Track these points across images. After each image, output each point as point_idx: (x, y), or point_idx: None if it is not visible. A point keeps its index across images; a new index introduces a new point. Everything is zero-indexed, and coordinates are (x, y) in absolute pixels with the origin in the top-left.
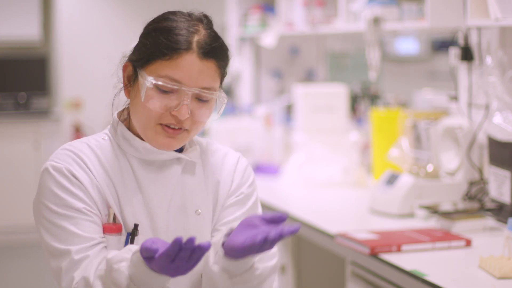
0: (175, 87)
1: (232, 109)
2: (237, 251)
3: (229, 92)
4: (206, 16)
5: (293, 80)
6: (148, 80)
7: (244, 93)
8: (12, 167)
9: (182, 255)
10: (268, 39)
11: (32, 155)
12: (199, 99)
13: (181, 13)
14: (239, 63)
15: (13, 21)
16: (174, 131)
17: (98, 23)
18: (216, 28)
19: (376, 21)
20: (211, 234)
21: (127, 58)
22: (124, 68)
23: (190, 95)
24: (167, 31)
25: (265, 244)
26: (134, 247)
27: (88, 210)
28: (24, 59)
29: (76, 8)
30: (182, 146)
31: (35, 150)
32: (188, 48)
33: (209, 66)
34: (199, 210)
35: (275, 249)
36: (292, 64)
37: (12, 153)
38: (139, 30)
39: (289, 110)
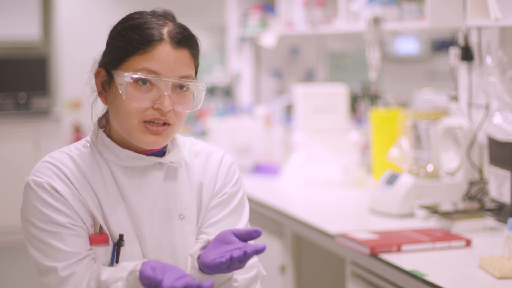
0: (154, 78)
1: (232, 109)
2: (207, 268)
3: (229, 92)
4: (169, 12)
5: (293, 80)
6: (126, 76)
7: (244, 93)
8: (12, 167)
9: None
10: (268, 39)
11: (32, 155)
12: (179, 88)
13: (145, 11)
14: (239, 63)
15: (13, 21)
16: (159, 128)
17: (98, 23)
18: (217, 28)
19: (376, 21)
20: (197, 237)
21: (98, 65)
22: (97, 74)
23: (170, 85)
24: (136, 27)
25: (232, 263)
26: (129, 266)
27: (72, 224)
28: (24, 59)
29: (76, 8)
30: (165, 149)
31: (35, 150)
32: (160, 39)
33: (183, 54)
34: (183, 214)
35: (254, 259)
36: (292, 64)
37: (12, 153)
38: None
39: (289, 110)
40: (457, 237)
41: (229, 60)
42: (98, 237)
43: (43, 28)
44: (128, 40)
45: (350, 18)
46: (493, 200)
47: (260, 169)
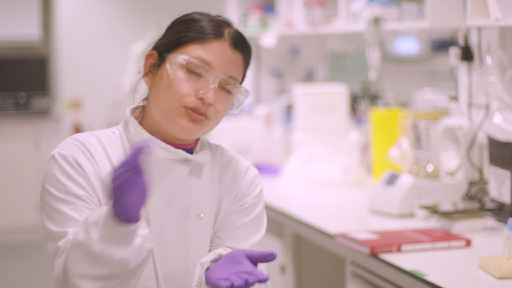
0: (207, 68)
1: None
2: (210, 285)
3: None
4: (229, 20)
5: (293, 80)
6: (180, 57)
7: None
8: (12, 167)
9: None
10: (268, 39)
11: (32, 155)
12: (224, 88)
13: (207, 13)
14: None
15: (13, 21)
16: (197, 115)
17: (98, 23)
18: None
19: (376, 21)
20: (211, 240)
21: (151, 47)
22: (148, 56)
23: (218, 80)
24: (200, 20)
25: None
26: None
27: (88, 199)
28: (24, 59)
29: (76, 8)
30: (192, 149)
31: (35, 150)
32: (220, 35)
33: (238, 57)
34: (202, 215)
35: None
36: (292, 64)
37: (12, 153)
38: (139, 30)
39: (289, 110)
40: (457, 237)
41: None
42: None
43: (43, 28)
44: (189, 28)
45: (350, 18)
46: (493, 200)
47: (260, 169)
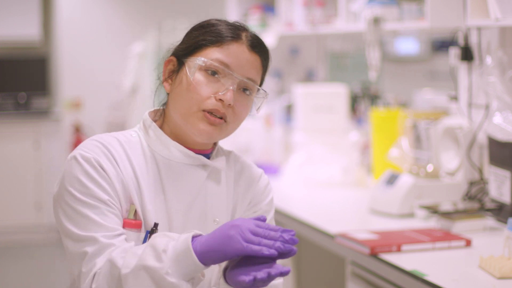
0: (225, 70)
1: None
2: (231, 281)
3: None
4: (245, 25)
5: (293, 80)
6: (199, 59)
7: None
8: (12, 167)
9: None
10: (268, 39)
11: (32, 155)
12: (243, 90)
13: (224, 19)
14: None
15: (13, 21)
16: (216, 119)
17: (98, 23)
18: None
19: (376, 21)
20: None
21: (170, 53)
22: (167, 62)
23: (236, 82)
24: (217, 25)
25: (255, 283)
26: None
27: (111, 203)
28: (24, 59)
29: (76, 8)
30: (209, 154)
31: (35, 150)
32: (238, 38)
33: (256, 59)
34: (217, 219)
35: (279, 280)
36: (292, 64)
37: (12, 153)
38: (139, 30)
39: (289, 110)
40: (457, 237)
41: None
42: (131, 221)
43: (43, 28)
44: (207, 33)
45: (350, 18)
46: (493, 200)
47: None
